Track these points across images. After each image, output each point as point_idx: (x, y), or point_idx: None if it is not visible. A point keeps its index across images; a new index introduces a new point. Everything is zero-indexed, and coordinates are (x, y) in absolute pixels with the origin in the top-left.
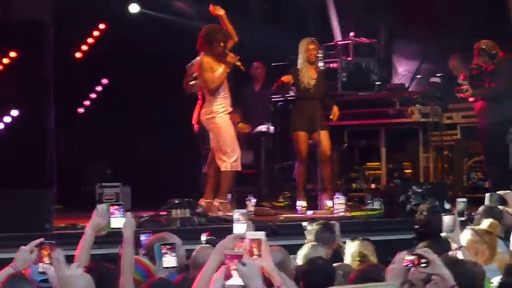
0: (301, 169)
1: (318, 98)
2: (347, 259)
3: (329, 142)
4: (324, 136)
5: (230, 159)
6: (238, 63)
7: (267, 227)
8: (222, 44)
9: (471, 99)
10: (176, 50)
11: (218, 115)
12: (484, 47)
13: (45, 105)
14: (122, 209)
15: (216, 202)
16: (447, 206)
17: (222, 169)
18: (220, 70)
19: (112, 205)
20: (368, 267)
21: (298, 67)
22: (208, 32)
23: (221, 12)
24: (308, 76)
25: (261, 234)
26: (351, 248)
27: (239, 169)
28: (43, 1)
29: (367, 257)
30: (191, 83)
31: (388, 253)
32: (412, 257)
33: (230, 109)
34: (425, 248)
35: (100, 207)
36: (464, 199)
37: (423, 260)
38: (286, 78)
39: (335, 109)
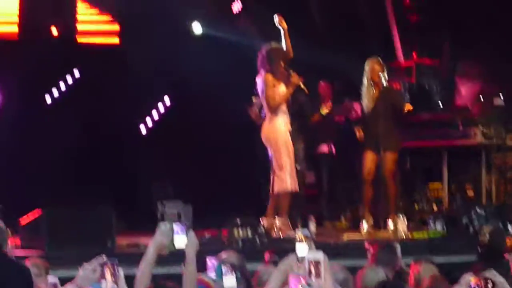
0: (365, 189)
1: (382, 118)
2: (411, 280)
3: (391, 164)
4: (386, 157)
5: (287, 178)
6: (302, 86)
7: (328, 247)
8: (282, 63)
9: None
10: (239, 69)
11: (280, 133)
12: None
13: (105, 122)
14: (185, 228)
15: (277, 221)
16: (510, 228)
17: (279, 189)
18: (283, 89)
19: (175, 223)
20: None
21: (363, 86)
22: (268, 52)
23: (285, 25)
24: (373, 96)
25: (321, 254)
26: (415, 270)
27: (297, 189)
28: None
29: (435, 279)
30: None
31: (451, 275)
32: (478, 279)
33: (290, 127)
34: (491, 270)
35: (163, 225)
36: None
37: (489, 282)
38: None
39: (407, 106)
